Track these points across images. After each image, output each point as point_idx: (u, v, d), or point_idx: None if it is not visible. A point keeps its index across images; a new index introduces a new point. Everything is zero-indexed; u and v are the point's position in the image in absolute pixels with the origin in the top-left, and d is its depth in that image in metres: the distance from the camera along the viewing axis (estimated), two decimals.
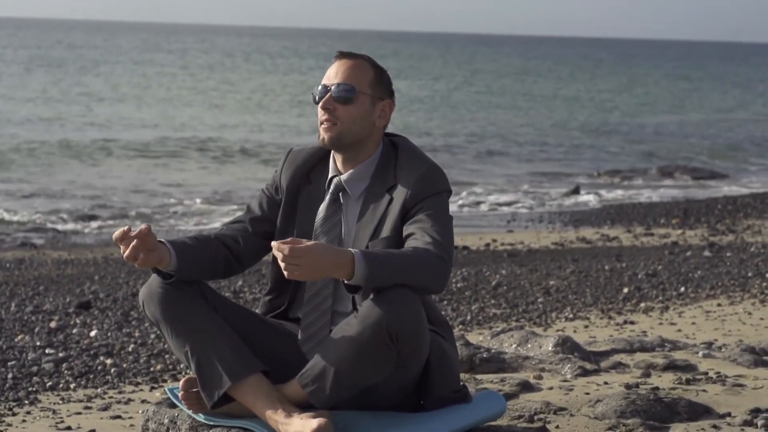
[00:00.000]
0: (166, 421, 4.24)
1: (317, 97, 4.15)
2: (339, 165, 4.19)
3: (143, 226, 3.91)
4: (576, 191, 20.70)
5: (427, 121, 36.68)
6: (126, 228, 3.92)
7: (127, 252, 3.89)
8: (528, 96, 53.21)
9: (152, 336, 7.90)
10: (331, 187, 4.19)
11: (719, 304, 9.05)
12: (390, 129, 4.26)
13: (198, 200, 18.71)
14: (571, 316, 8.73)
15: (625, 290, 9.84)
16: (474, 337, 7.02)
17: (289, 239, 3.73)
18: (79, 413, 5.79)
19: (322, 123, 4.12)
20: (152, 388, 6.49)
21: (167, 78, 56.03)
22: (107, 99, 41.06)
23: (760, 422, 4.61)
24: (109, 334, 8.03)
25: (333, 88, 4.11)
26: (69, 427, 5.40)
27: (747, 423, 4.63)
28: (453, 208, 15.50)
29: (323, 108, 4.11)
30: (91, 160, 23.68)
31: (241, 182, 21.29)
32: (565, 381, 5.46)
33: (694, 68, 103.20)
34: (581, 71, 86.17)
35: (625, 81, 71.83)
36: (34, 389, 6.48)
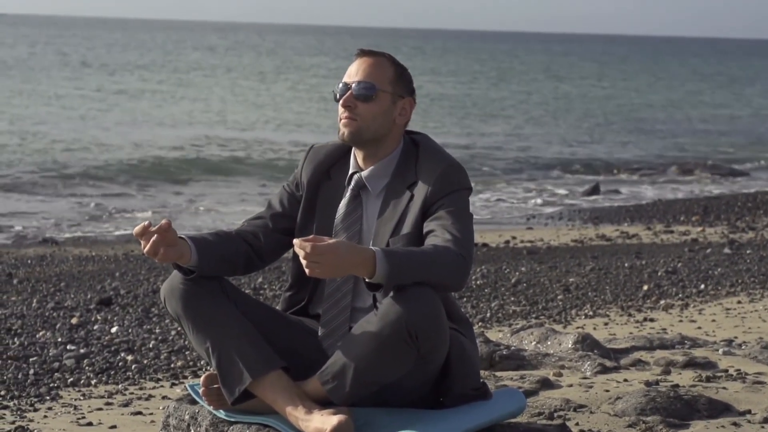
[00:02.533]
0: (186, 417, 4.26)
1: (338, 95, 4.16)
2: (360, 161, 4.20)
3: (164, 220, 3.93)
4: (596, 188, 20.66)
5: (447, 117, 36.65)
6: (146, 223, 3.93)
7: (148, 247, 3.90)
8: (554, 92, 53.19)
9: (173, 332, 7.93)
10: (352, 183, 4.20)
11: (739, 302, 9.03)
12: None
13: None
14: (590, 313, 8.73)
15: (645, 287, 9.82)
16: (494, 335, 7.02)
17: (311, 237, 3.74)
18: (100, 409, 5.81)
19: (342, 119, 4.14)
20: (173, 384, 6.51)
21: (208, 78, 55.51)
22: (146, 98, 41.15)
23: None
24: (129, 330, 8.06)
25: (354, 85, 4.13)
26: (90, 423, 5.42)
27: (767, 420, 4.62)
28: (473, 205, 15.38)
29: (344, 105, 4.13)
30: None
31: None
32: (585, 378, 5.46)
33: (718, 64, 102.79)
34: (605, 68, 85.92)
35: (650, 78, 71.62)
36: (55, 385, 6.51)
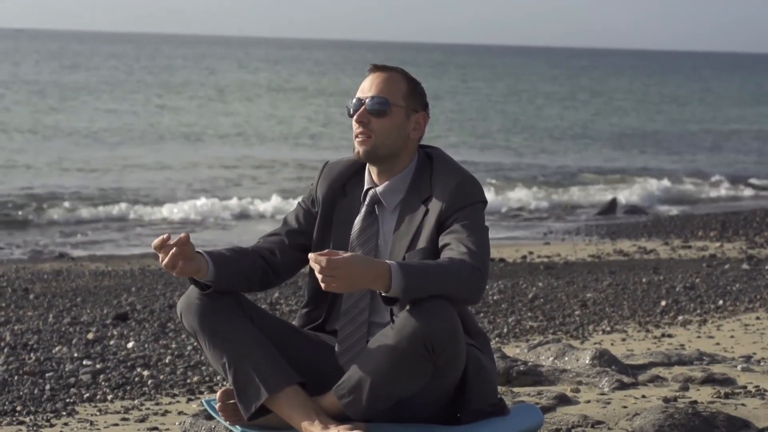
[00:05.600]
0: None
1: (352, 111, 4.16)
2: (374, 177, 4.20)
3: (182, 234, 3.93)
4: (614, 203, 20.60)
5: (471, 131, 36.65)
6: (165, 235, 3.93)
7: (166, 260, 3.90)
8: (576, 105, 53.24)
9: (189, 347, 7.92)
10: (367, 199, 4.19)
11: (758, 318, 8.99)
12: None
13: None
14: (608, 329, 8.69)
15: (663, 303, 9.78)
16: (511, 350, 7.00)
17: (326, 251, 3.74)
18: (116, 425, 5.80)
19: (356, 136, 4.14)
20: (189, 399, 6.51)
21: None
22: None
23: None
24: (146, 345, 8.06)
25: (367, 101, 4.13)
26: None
27: None
28: (489, 219, 15.34)
29: (357, 121, 4.13)
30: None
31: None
32: (603, 394, 5.43)
33: (737, 79, 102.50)
34: (624, 81, 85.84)
35: (671, 92, 71.55)
36: (71, 401, 6.51)
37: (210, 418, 4.31)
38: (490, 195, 18.96)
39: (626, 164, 28.84)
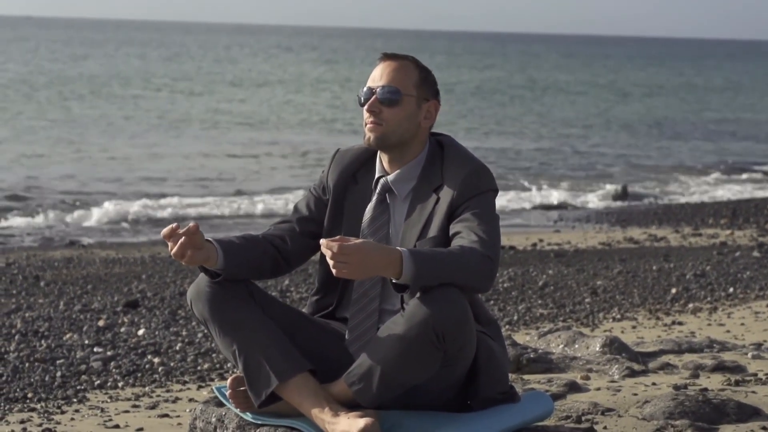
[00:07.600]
0: (213, 419, 4.26)
1: (362, 100, 4.15)
2: (385, 165, 4.19)
3: (191, 223, 3.93)
4: (624, 191, 20.57)
5: (490, 119, 36.61)
6: (175, 225, 3.93)
7: (175, 249, 3.90)
8: (597, 91, 53.21)
9: (199, 335, 7.93)
10: (378, 187, 4.18)
11: None
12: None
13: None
14: (618, 316, 8.69)
15: (673, 291, 9.77)
16: (521, 338, 7.00)
17: (338, 237, 3.74)
18: (127, 411, 5.82)
19: (367, 124, 4.13)
20: (199, 386, 6.52)
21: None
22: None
23: None
24: (156, 332, 8.07)
25: (378, 90, 4.11)
26: (117, 426, 5.43)
27: None
28: (500, 207, 15.30)
29: (369, 110, 4.11)
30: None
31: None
32: (613, 382, 5.43)
33: (743, 67, 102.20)
34: (637, 68, 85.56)
35: (682, 80, 71.30)
36: (82, 387, 6.53)
37: (220, 405, 4.31)
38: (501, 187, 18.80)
39: (637, 155, 28.77)
